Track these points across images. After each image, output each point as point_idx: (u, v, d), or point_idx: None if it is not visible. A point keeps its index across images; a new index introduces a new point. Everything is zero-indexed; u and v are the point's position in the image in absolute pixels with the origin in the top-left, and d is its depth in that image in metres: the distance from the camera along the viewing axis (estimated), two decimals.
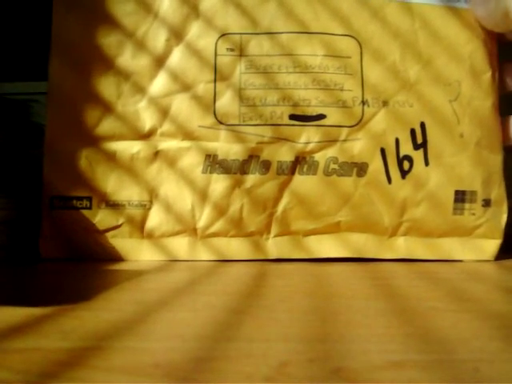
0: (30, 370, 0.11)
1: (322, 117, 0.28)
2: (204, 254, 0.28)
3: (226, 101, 0.28)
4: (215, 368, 0.11)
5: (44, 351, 0.12)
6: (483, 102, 0.29)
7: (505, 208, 0.30)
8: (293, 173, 0.28)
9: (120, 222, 0.28)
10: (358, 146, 0.28)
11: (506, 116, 0.30)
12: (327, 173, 0.28)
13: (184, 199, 0.28)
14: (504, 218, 0.30)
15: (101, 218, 0.28)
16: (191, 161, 0.28)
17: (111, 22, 0.28)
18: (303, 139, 0.28)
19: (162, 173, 0.28)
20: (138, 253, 0.28)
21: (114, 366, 0.11)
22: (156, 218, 0.28)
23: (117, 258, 0.28)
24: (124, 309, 0.16)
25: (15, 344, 0.12)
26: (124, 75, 0.28)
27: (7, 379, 0.10)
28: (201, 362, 0.11)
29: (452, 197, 0.29)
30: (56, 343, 0.12)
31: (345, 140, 0.28)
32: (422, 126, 0.29)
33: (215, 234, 0.28)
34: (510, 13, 0.26)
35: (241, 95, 0.28)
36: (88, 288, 0.20)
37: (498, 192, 0.30)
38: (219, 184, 0.28)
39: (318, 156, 0.28)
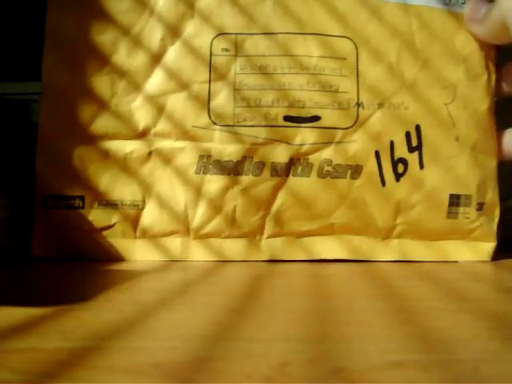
0: (29, 370, 0.10)
1: (316, 118, 0.28)
2: (197, 254, 0.28)
3: (221, 101, 0.28)
4: (215, 368, 0.11)
5: (44, 351, 0.12)
6: (479, 105, 0.29)
7: (497, 212, 0.30)
8: (287, 174, 0.28)
9: (113, 222, 0.28)
10: (353, 148, 0.28)
11: (499, 130, 0.30)
12: (321, 175, 0.28)
13: (177, 199, 0.28)
14: (496, 221, 0.30)
15: (93, 217, 0.28)
16: (185, 161, 0.28)
17: (106, 20, 0.28)
18: (298, 140, 0.28)
19: (156, 173, 0.28)
20: (131, 252, 0.28)
21: (114, 366, 0.11)
22: (149, 218, 0.28)
23: (109, 257, 0.28)
24: (124, 309, 0.16)
25: (15, 344, 0.12)
26: (119, 73, 0.28)
27: (7, 379, 0.10)
28: (201, 361, 0.11)
29: (447, 200, 0.29)
30: (56, 343, 0.12)
31: (339, 142, 0.28)
32: (417, 128, 0.29)
33: (209, 235, 0.28)
34: (509, 25, 0.26)
35: (235, 96, 0.28)
36: (88, 288, 0.20)
37: (491, 195, 0.30)
38: (213, 184, 0.28)
39: (312, 158, 0.28)
